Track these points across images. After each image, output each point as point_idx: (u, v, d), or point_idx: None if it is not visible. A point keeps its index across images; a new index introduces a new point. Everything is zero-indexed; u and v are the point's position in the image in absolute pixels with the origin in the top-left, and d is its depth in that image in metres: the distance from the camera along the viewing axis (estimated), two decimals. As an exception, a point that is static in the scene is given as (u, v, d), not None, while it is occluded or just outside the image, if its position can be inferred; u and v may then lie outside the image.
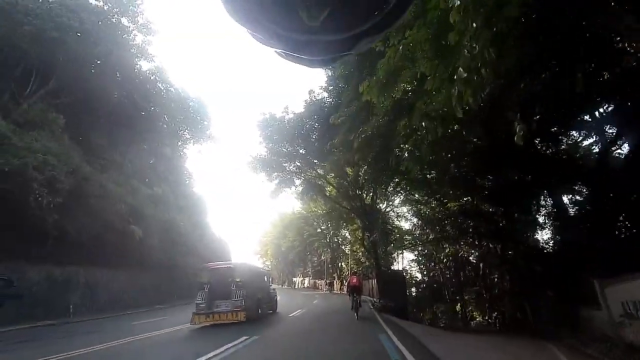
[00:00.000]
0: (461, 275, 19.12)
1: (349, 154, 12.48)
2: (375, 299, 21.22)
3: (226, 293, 11.05)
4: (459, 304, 18.72)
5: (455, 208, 17.24)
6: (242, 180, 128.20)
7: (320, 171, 19.96)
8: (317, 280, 49.96)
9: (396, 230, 25.91)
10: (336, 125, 11.94)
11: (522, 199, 11.83)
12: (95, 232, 17.14)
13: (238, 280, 11.38)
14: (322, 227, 48.54)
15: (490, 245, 14.36)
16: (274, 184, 20.43)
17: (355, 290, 12.54)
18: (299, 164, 20.09)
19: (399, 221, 26.59)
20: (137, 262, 20.83)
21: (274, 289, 15.67)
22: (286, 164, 20.06)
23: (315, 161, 19.54)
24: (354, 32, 0.55)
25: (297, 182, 20.77)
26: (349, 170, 18.19)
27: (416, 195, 22.93)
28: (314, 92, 17.46)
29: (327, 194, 21.50)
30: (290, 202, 65.55)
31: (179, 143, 40.17)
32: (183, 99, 38.59)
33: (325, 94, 17.06)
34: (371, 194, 19.65)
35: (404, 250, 27.22)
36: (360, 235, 21.93)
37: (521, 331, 10.26)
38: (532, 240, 12.45)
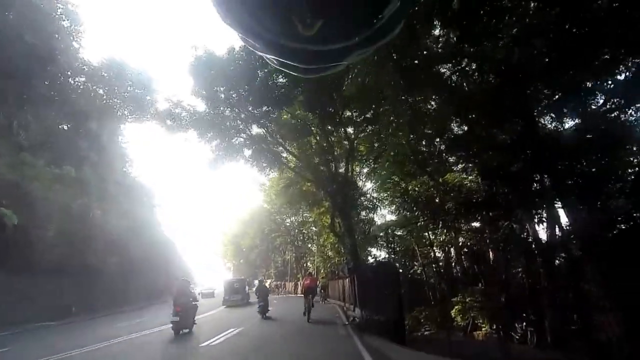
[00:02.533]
0: (457, 270, 14.92)
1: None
2: (347, 305, 16.47)
3: (235, 291, 21.18)
4: (455, 308, 14.39)
5: (456, 181, 13.03)
6: (201, 171, 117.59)
7: (271, 125, 14.91)
8: (278, 282, 45.05)
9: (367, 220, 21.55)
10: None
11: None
12: None
13: (237, 286, 21.73)
14: (287, 223, 43.48)
15: (514, 226, 10.10)
16: (213, 152, 15.20)
17: (309, 292, 13.08)
18: (240, 123, 14.89)
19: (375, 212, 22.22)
20: (17, 262, 14.76)
21: (249, 290, 24.04)
22: (231, 125, 14.86)
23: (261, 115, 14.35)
24: (347, 43, 0.55)
25: (246, 150, 15.66)
26: (313, 129, 13.45)
27: (396, 178, 18.72)
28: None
29: (284, 161, 16.49)
30: (252, 197, 59.62)
31: (115, 120, 33.52)
32: (117, 66, 31.96)
33: None
34: (343, 162, 14.94)
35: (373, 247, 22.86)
36: (329, 220, 17.22)
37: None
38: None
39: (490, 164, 9.33)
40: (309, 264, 40.53)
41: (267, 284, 20.58)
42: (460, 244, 13.42)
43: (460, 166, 14.17)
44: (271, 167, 16.16)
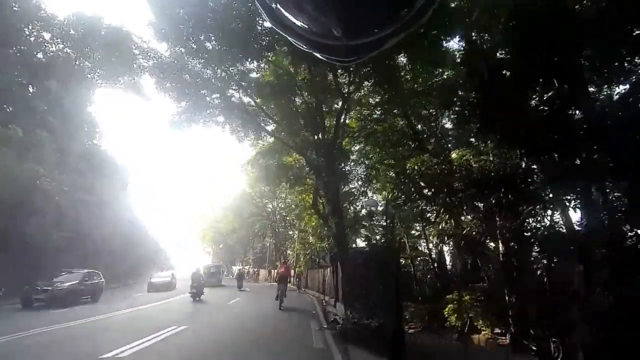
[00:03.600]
0: (455, 264, 13.16)
1: None
2: (327, 299, 14.52)
3: (212, 275, 25.37)
4: (448, 307, 12.60)
5: (464, 159, 11.10)
6: (180, 148, 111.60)
7: (251, 86, 12.50)
8: (253, 270, 43.30)
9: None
10: None
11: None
12: None
13: (214, 270, 27.22)
14: (269, 208, 41.21)
15: (536, 211, 8.24)
16: (178, 111, 12.69)
17: (282, 280, 13.11)
18: (215, 82, 12.38)
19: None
20: None
21: (223, 274, 30.27)
22: (204, 82, 12.34)
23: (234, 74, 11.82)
24: (382, 34, 0.58)
25: (218, 111, 13.17)
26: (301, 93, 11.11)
27: (389, 161, 16.74)
28: None
29: (262, 124, 13.95)
30: (233, 179, 56.72)
31: (84, 85, 30.09)
32: (87, 22, 28.42)
33: None
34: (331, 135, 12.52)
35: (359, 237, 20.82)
36: (312, 199, 14.95)
37: None
38: None
39: (518, 135, 7.32)
40: (288, 251, 38.62)
41: (244, 270, 29.61)
42: (464, 232, 11.52)
43: (463, 147, 12.32)
44: (246, 133, 13.71)
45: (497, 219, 10.00)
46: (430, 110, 14.32)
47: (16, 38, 22.45)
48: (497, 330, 10.92)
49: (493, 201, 9.03)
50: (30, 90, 25.55)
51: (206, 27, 11.11)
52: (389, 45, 0.61)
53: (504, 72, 8.85)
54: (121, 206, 31.21)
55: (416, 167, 12.25)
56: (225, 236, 54.45)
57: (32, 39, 26.83)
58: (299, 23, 0.56)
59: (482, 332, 11.73)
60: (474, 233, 11.41)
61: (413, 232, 20.47)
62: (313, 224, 17.01)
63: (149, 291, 22.25)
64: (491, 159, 10.47)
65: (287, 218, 38.10)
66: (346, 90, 11.71)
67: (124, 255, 29.48)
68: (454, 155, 11.09)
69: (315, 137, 12.16)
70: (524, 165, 8.30)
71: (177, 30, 11.28)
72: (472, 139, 10.83)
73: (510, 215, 8.82)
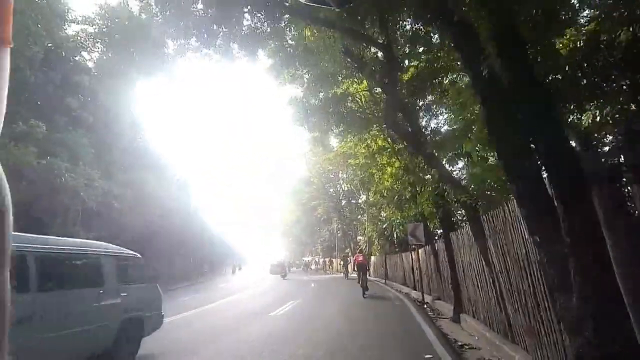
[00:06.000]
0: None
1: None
2: (428, 300, 9.35)
3: (280, 267, 29.94)
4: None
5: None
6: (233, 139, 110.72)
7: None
8: (323, 259, 39.39)
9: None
10: None
11: None
12: None
13: (277, 264, 31.48)
14: (331, 191, 36.75)
15: None
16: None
17: (361, 269, 13.14)
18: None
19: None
20: None
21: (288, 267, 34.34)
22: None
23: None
24: None
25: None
26: None
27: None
28: None
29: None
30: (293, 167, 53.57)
31: (122, 80, 28.68)
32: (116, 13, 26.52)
33: None
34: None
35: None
36: (383, 137, 9.38)
37: None
38: None
39: None
40: (359, 237, 33.85)
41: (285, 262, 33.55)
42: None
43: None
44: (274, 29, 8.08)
45: None
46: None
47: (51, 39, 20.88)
48: None
49: None
50: (59, 86, 24.23)
51: None
52: None
53: None
54: (176, 205, 29.34)
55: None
56: (290, 227, 51.60)
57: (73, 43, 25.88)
58: None
59: None
60: None
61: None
62: (387, 182, 11.02)
63: None
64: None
65: (352, 201, 33.40)
66: None
67: (182, 256, 27.62)
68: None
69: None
70: None
71: None
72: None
73: None
